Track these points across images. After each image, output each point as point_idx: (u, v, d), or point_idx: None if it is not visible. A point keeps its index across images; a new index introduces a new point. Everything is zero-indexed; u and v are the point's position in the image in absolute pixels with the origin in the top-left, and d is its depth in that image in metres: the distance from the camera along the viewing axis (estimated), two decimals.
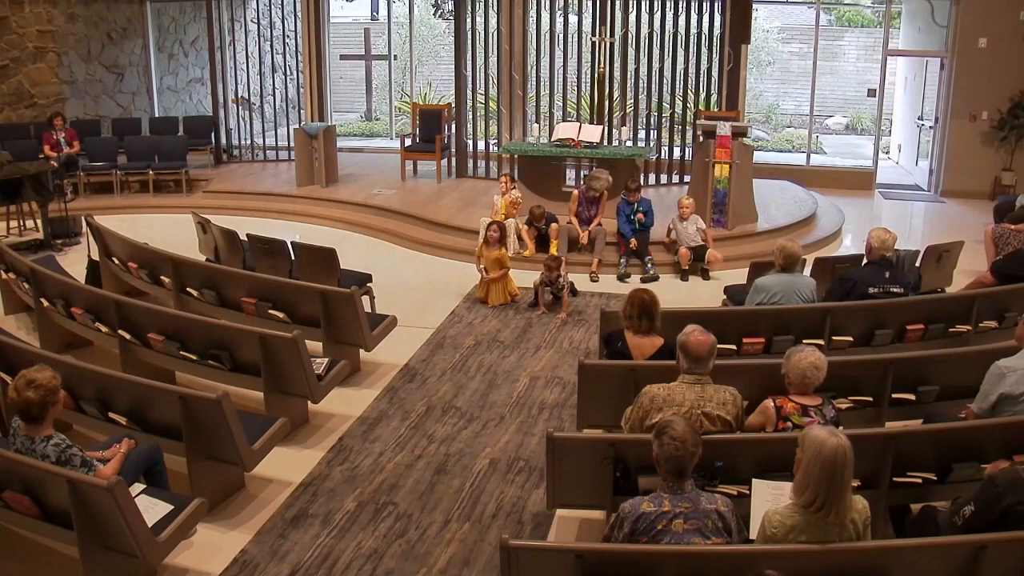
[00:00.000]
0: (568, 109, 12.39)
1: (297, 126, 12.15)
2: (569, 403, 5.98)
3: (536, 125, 11.55)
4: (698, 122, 10.61)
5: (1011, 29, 11.55)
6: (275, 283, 6.52)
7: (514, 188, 9.31)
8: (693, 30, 11.48)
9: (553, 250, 8.85)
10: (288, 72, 13.74)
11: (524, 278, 8.22)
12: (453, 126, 12.15)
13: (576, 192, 9.33)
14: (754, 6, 11.82)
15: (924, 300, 6.45)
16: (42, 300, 6.60)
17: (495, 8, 11.67)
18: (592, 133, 10.05)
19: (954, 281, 7.76)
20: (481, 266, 8.00)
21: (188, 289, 6.82)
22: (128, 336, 5.86)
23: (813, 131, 13.93)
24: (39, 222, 9.90)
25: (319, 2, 12.80)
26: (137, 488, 4.25)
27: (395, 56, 16.07)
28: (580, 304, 7.97)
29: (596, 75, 11.30)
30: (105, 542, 3.94)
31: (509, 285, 8.07)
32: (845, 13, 16.72)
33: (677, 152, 11.95)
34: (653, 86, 11.67)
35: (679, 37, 11.52)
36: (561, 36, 11.99)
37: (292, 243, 7.57)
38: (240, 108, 13.27)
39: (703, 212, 9.61)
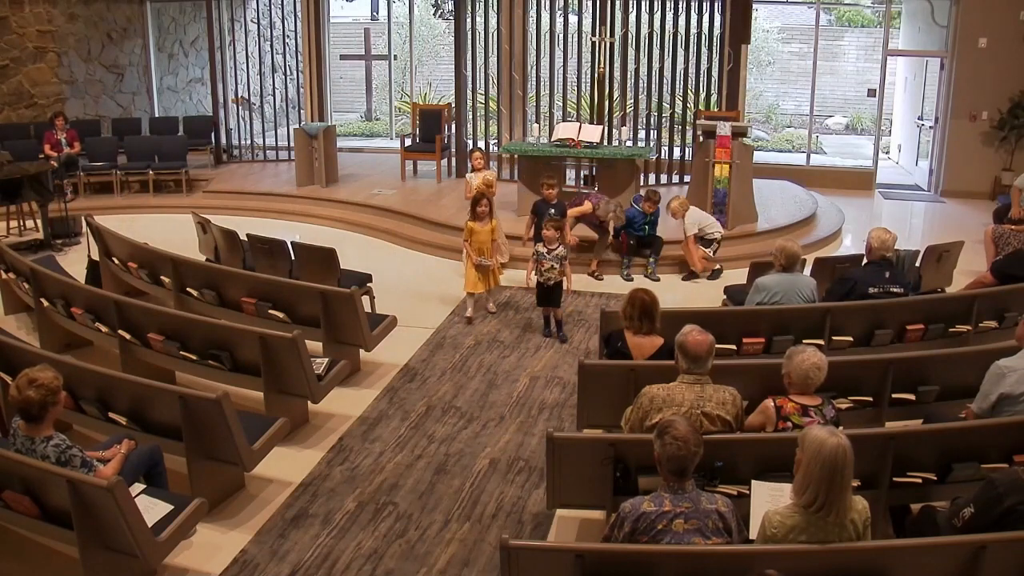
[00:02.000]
0: (568, 109, 12.39)
1: (297, 126, 12.15)
2: (569, 403, 5.98)
3: (536, 125, 11.55)
4: (698, 122, 10.61)
5: (1011, 29, 11.55)
6: (275, 283, 6.52)
7: (488, 169, 8.77)
8: (693, 30, 11.48)
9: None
10: (288, 72, 13.74)
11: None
12: (453, 126, 12.15)
13: (589, 204, 8.78)
14: (754, 6, 11.82)
15: (924, 300, 6.45)
16: (42, 300, 6.60)
17: (495, 8, 11.67)
18: (592, 133, 10.05)
19: (954, 281, 7.76)
20: (470, 252, 7.36)
21: (188, 289, 6.82)
22: (128, 336, 5.86)
23: (813, 131, 13.93)
24: (39, 222, 9.90)
25: (319, 2, 12.80)
26: (137, 488, 4.25)
27: (395, 56, 16.07)
28: (580, 304, 7.97)
29: (596, 75, 11.30)
30: (105, 542, 3.94)
31: (496, 270, 7.61)
32: (845, 13, 16.73)
33: (677, 152, 11.95)
34: (653, 86, 11.67)
35: (679, 37, 11.52)
36: (561, 36, 12.00)
37: (292, 243, 7.57)
38: (240, 108, 13.27)
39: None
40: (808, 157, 13.41)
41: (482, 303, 7.78)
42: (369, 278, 7.51)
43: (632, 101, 11.75)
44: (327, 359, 5.83)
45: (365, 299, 7.07)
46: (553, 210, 8.07)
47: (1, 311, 7.65)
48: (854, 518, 3.27)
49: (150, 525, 3.97)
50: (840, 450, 3.17)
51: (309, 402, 5.70)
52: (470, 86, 11.98)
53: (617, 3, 11.41)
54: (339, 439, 5.62)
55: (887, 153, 14.78)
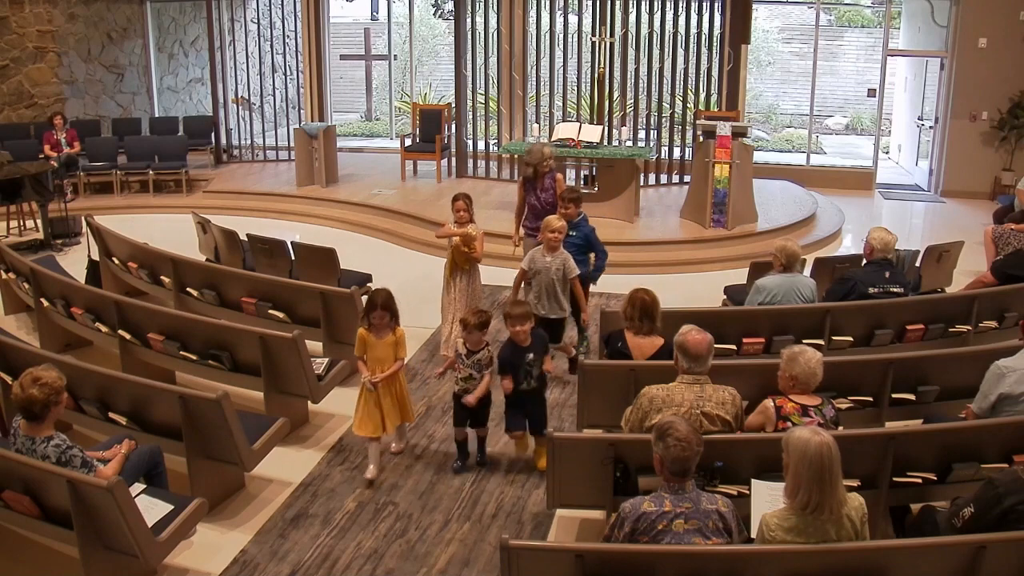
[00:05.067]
0: (568, 109, 12.40)
1: (297, 126, 12.16)
2: (569, 403, 5.98)
3: (536, 125, 11.56)
4: (698, 122, 10.62)
5: (1011, 29, 11.55)
6: (275, 283, 6.52)
7: (472, 224, 6.40)
8: (693, 30, 11.49)
9: None
10: (288, 72, 13.74)
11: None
12: (453, 126, 12.16)
13: (520, 196, 7.21)
14: (754, 6, 11.83)
15: (924, 300, 6.45)
16: (42, 300, 6.60)
17: (495, 8, 11.68)
18: (592, 133, 10.05)
19: (954, 281, 7.76)
20: (363, 371, 5.05)
21: (188, 289, 6.83)
22: (128, 336, 5.86)
23: (813, 131, 13.94)
24: (39, 222, 9.90)
25: (319, 2, 12.81)
26: (137, 488, 4.26)
27: (395, 56, 16.08)
28: None
29: (596, 75, 11.31)
30: (105, 542, 3.95)
31: (404, 398, 5.17)
32: (845, 13, 16.72)
33: (677, 152, 11.96)
34: (653, 86, 11.67)
35: (679, 37, 11.52)
36: (561, 36, 12.00)
37: (292, 243, 7.57)
38: (240, 108, 13.28)
39: (703, 212, 9.61)
40: (808, 157, 13.40)
41: (386, 446, 5.42)
42: (369, 278, 7.51)
43: (632, 101, 11.75)
44: (327, 359, 5.84)
45: (365, 299, 7.05)
46: (532, 355, 5.08)
47: (1, 311, 7.65)
48: (850, 514, 3.27)
49: (150, 525, 3.97)
50: (824, 447, 3.18)
51: (309, 402, 5.70)
52: (470, 86, 11.98)
53: (617, 3, 11.41)
54: (339, 439, 5.62)
55: (887, 153, 14.78)
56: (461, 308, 6.37)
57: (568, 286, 6.03)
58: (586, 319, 6.29)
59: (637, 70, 11.66)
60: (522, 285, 6.19)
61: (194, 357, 5.59)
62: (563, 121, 11.48)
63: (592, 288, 7.49)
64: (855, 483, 3.98)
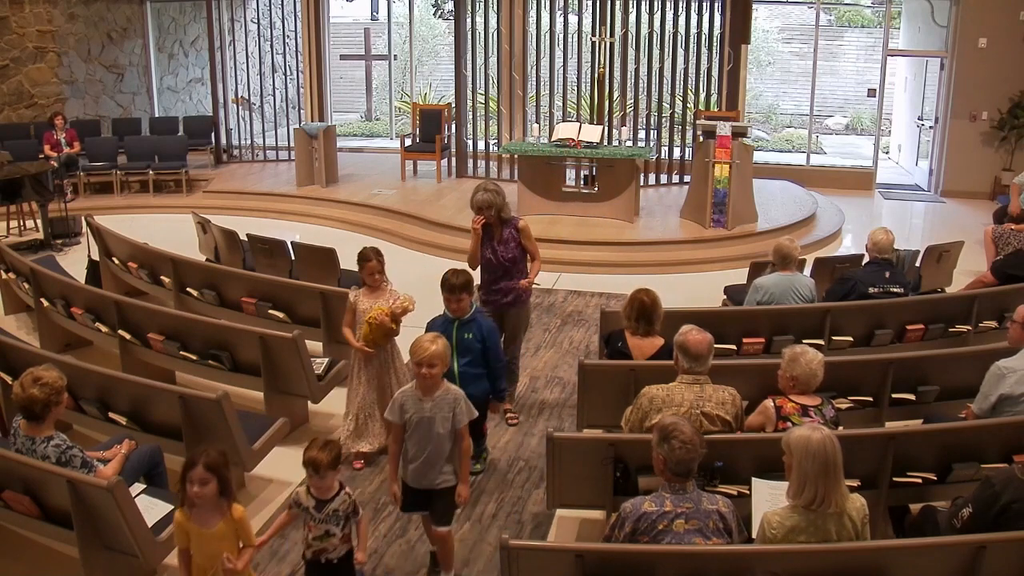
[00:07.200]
0: (568, 109, 12.41)
1: (297, 126, 12.16)
2: (569, 403, 5.98)
3: (536, 125, 11.57)
4: (698, 122, 10.63)
5: (1011, 29, 11.56)
6: (275, 283, 6.52)
7: (391, 292, 5.26)
8: (693, 30, 11.49)
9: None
10: (288, 72, 13.75)
11: None
12: (453, 126, 12.16)
13: (474, 242, 5.54)
14: (754, 6, 11.83)
15: (924, 300, 6.45)
16: (42, 300, 6.60)
17: (495, 8, 11.68)
18: (592, 133, 10.06)
19: (954, 281, 7.76)
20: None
21: (188, 289, 6.83)
22: (128, 336, 5.86)
23: (813, 131, 13.94)
24: (39, 222, 9.91)
25: (319, 2, 12.81)
26: (137, 488, 4.25)
27: (395, 56, 16.09)
28: (580, 304, 7.96)
29: (596, 75, 11.31)
30: (105, 542, 3.95)
31: None
32: (845, 13, 16.73)
33: (677, 152, 11.96)
34: (653, 86, 11.68)
35: (679, 37, 11.53)
36: (561, 36, 12.01)
37: (292, 243, 7.57)
38: (240, 108, 13.28)
39: (703, 212, 9.63)
40: (808, 157, 13.41)
41: None
42: None
43: (632, 101, 11.76)
44: (327, 359, 5.83)
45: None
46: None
47: (1, 311, 7.65)
48: (851, 514, 3.28)
49: (150, 525, 3.97)
50: (827, 441, 3.21)
51: (309, 402, 5.70)
52: (470, 86, 11.98)
53: (617, 3, 11.42)
54: (339, 439, 5.61)
55: (887, 153, 14.79)
56: (371, 394, 5.14)
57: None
58: (464, 498, 4.06)
59: (637, 70, 11.66)
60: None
61: (194, 357, 5.59)
62: (563, 121, 11.49)
63: (592, 288, 7.41)
64: (855, 483, 3.98)
